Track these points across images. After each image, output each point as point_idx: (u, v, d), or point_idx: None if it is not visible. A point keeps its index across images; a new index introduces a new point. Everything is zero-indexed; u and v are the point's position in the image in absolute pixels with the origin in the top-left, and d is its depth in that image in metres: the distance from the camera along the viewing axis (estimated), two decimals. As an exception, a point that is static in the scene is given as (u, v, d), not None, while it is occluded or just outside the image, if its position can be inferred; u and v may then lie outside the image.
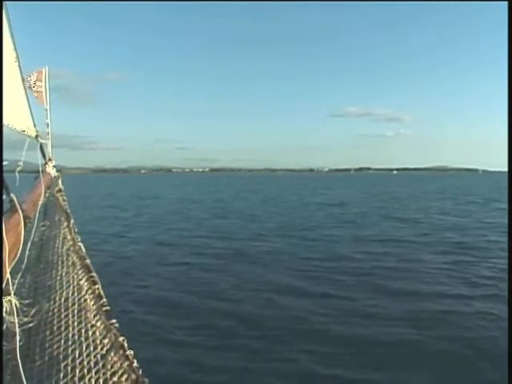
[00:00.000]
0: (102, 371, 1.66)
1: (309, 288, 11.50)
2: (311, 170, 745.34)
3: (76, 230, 3.00)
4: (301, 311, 9.65)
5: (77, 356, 1.77)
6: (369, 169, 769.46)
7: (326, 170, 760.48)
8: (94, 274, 2.28)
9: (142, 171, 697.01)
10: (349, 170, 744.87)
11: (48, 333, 1.95)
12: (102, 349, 1.78)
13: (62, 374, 1.69)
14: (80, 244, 2.72)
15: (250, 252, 16.84)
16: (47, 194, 3.81)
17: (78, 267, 2.43)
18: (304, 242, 18.86)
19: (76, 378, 1.66)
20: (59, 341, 1.89)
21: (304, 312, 9.61)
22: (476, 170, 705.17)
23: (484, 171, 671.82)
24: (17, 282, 2.03)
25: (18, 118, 3.25)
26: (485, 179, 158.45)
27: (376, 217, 29.14)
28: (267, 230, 22.83)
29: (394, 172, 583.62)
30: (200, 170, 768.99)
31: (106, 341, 1.82)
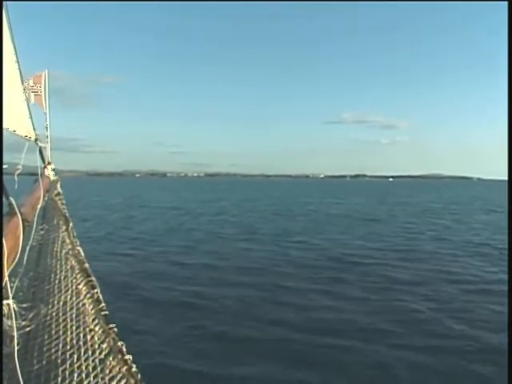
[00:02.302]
0: (101, 376, 1.66)
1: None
2: (307, 176, 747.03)
3: (75, 234, 2.99)
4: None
5: (75, 360, 1.77)
6: (364, 176, 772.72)
7: (322, 176, 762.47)
8: (93, 278, 2.27)
9: (137, 175, 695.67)
10: (344, 176, 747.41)
11: (46, 337, 1.94)
12: (100, 353, 1.78)
13: (60, 379, 1.68)
14: (79, 248, 2.71)
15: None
16: (46, 198, 3.80)
17: (77, 271, 2.42)
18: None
19: (74, 383, 1.65)
20: (57, 345, 1.88)
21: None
22: (471, 178, 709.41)
23: (479, 179, 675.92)
24: (15, 285, 2.02)
25: (17, 121, 3.25)
26: (486, 188, 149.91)
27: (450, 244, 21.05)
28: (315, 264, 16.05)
29: (390, 179, 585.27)
30: (195, 174, 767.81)
31: (104, 345, 1.82)
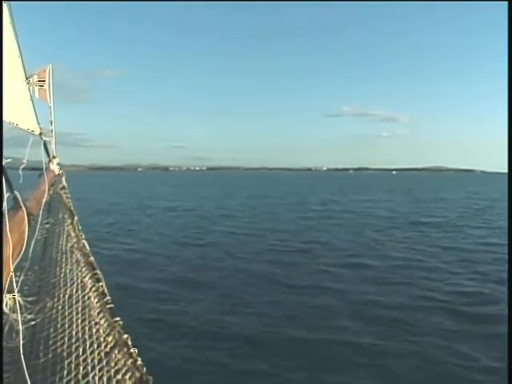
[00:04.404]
0: (106, 369, 1.66)
1: None
2: (309, 169, 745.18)
3: (80, 228, 3.00)
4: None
5: (80, 353, 1.77)
6: (367, 169, 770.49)
7: (325, 169, 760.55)
8: (98, 272, 2.28)
9: (139, 169, 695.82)
10: (347, 169, 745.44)
11: (52, 330, 1.95)
12: (105, 346, 1.78)
13: (65, 372, 1.69)
14: (84, 241, 2.71)
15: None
16: (51, 192, 3.81)
17: (82, 264, 2.43)
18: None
19: (79, 376, 1.66)
20: (63, 338, 1.89)
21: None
22: (474, 171, 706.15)
23: (482, 172, 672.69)
24: (21, 279, 2.03)
25: (21, 115, 3.25)
26: (494, 180, 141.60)
27: None
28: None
29: (393, 172, 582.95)
30: (197, 168, 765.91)
31: (109, 338, 1.82)
